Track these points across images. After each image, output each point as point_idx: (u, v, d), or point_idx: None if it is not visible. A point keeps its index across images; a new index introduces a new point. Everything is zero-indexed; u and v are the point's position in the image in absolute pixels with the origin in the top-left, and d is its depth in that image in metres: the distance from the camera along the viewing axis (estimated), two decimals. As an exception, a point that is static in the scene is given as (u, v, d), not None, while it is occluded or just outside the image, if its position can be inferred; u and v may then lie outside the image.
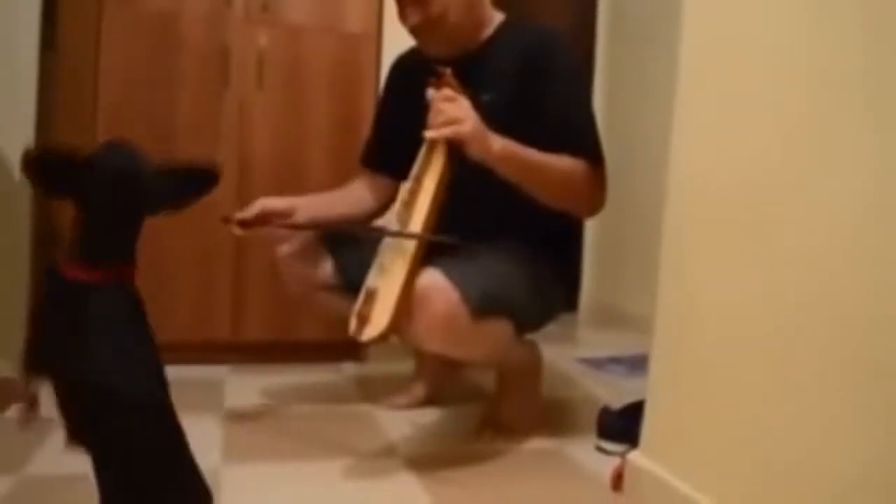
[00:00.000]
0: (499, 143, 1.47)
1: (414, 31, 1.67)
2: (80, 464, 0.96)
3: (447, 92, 1.48)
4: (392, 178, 1.84)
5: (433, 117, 1.47)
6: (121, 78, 2.05)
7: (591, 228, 3.35)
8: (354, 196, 1.85)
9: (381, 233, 1.55)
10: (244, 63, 2.13)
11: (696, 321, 1.25)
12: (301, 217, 1.68)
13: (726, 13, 1.20)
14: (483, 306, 1.47)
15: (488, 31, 1.72)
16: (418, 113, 1.51)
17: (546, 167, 1.53)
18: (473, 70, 1.61)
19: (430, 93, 1.50)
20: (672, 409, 1.31)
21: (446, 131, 1.44)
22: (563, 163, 1.55)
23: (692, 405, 1.25)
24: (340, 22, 2.22)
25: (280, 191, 1.75)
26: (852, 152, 0.95)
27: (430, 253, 1.48)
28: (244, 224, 1.63)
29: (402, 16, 1.66)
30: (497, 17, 1.74)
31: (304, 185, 2.02)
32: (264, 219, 1.64)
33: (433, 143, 1.52)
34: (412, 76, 1.59)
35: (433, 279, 1.44)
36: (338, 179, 2.03)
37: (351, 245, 1.70)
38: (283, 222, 1.65)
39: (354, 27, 2.23)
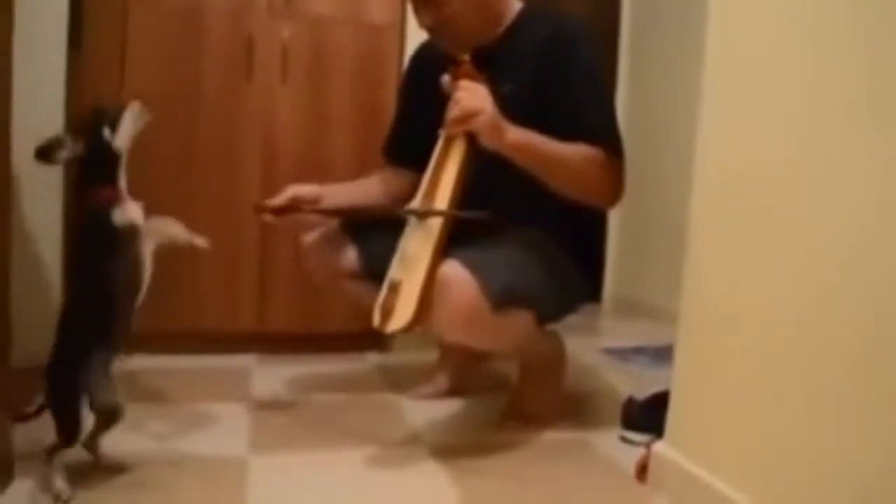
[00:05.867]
0: (513, 133, 1.46)
1: (429, 30, 1.68)
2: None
3: (464, 81, 1.48)
4: (414, 170, 1.83)
5: (450, 109, 1.47)
6: (146, 73, 2.07)
7: (615, 218, 3.32)
8: (376, 187, 1.86)
9: (409, 213, 1.53)
10: (268, 56, 2.14)
11: (720, 312, 1.24)
12: (327, 203, 1.69)
13: (754, 5, 1.19)
14: (503, 297, 1.47)
15: (506, 22, 1.71)
16: (438, 103, 1.50)
17: (562, 157, 1.52)
18: (492, 61, 1.60)
19: (445, 80, 1.50)
20: (697, 399, 1.31)
21: (461, 128, 1.45)
22: (580, 153, 1.54)
23: (717, 396, 1.24)
24: (363, 13, 2.22)
25: (304, 182, 1.76)
26: (879, 151, 0.94)
27: (451, 244, 1.48)
28: (276, 211, 1.65)
29: (416, 15, 1.67)
30: (516, 7, 1.73)
31: (328, 175, 2.03)
32: (294, 205, 1.66)
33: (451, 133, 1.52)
34: (432, 67, 1.59)
35: (453, 270, 1.45)
36: (361, 170, 2.04)
37: (374, 233, 1.70)
38: (311, 208, 1.66)
39: (377, 18, 2.23)
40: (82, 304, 1.29)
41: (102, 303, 1.27)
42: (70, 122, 1.32)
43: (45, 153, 1.25)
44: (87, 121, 1.29)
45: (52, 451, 1.23)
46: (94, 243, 1.28)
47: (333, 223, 1.76)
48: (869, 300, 0.95)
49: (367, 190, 1.85)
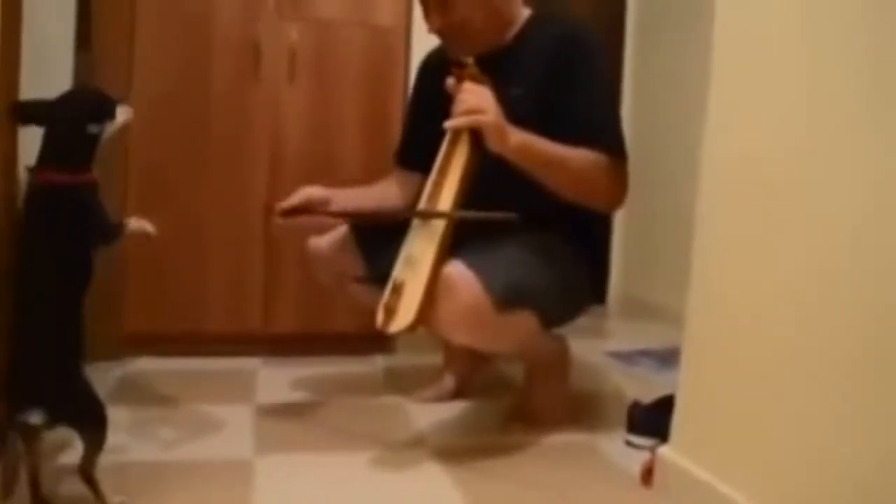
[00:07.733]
0: (516, 137, 1.47)
1: (438, 34, 1.69)
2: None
3: (469, 83, 1.49)
4: (423, 175, 1.84)
5: (456, 107, 1.47)
6: (154, 74, 2.08)
7: (621, 220, 3.32)
8: (386, 192, 1.86)
9: (414, 215, 1.54)
10: (275, 57, 2.15)
11: (727, 316, 1.24)
12: (337, 206, 1.69)
13: (761, 5, 1.19)
14: (507, 298, 1.47)
15: (515, 27, 1.72)
16: (446, 109, 1.51)
17: (564, 162, 1.53)
18: (501, 66, 1.61)
19: (450, 82, 1.51)
20: (703, 404, 1.31)
21: (466, 121, 1.45)
22: (582, 157, 1.55)
23: (723, 400, 1.24)
24: (370, 15, 2.22)
25: (311, 183, 1.76)
26: (884, 147, 0.94)
27: (455, 245, 1.49)
28: (287, 213, 1.64)
29: (426, 20, 1.69)
30: (525, 13, 1.74)
31: (335, 177, 2.03)
32: (306, 207, 1.66)
33: (456, 134, 1.53)
34: (441, 73, 1.60)
35: (457, 270, 1.45)
36: (368, 171, 2.04)
37: (379, 237, 1.70)
38: (322, 210, 1.67)
39: (384, 20, 2.23)
40: (68, 286, 1.19)
41: (85, 287, 1.21)
42: (77, 97, 1.25)
43: (28, 116, 1.20)
44: (94, 106, 1.25)
45: (88, 462, 1.17)
46: (82, 223, 1.20)
47: (342, 227, 1.77)
48: (870, 301, 0.95)
49: (377, 195, 1.85)
